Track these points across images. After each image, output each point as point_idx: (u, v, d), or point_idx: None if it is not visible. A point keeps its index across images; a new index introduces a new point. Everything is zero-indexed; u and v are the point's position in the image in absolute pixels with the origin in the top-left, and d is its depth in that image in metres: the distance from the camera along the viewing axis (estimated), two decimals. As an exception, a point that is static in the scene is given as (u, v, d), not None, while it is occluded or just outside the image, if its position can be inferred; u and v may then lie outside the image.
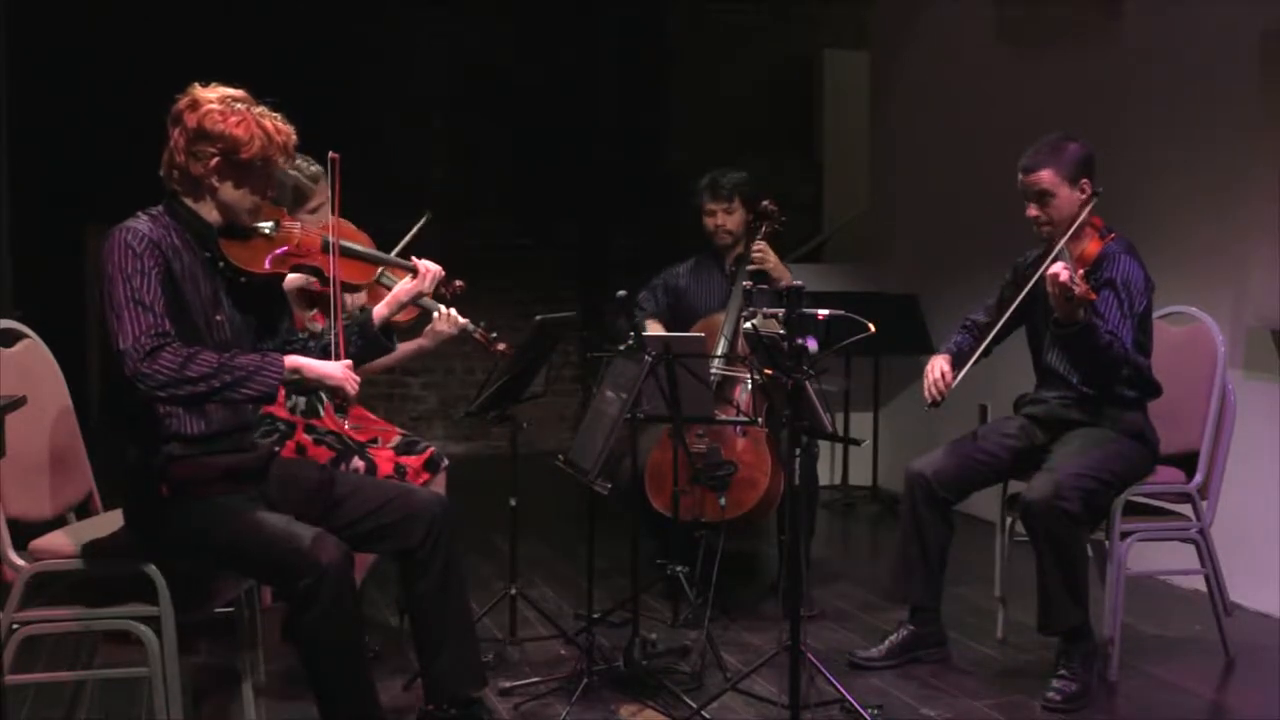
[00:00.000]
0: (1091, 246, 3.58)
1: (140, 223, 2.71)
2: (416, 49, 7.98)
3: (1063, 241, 3.54)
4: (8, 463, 2.66)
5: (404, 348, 3.67)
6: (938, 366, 3.72)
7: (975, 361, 3.71)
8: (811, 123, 8.12)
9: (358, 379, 2.82)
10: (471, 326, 3.66)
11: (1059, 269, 3.32)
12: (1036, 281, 3.54)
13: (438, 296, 3.29)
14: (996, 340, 3.75)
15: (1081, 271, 3.45)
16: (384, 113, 7.88)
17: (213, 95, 2.76)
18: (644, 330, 4.32)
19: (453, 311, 3.61)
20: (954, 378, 3.69)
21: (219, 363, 2.62)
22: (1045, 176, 3.61)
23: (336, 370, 2.78)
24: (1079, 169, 3.61)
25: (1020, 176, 3.66)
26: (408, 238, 3.71)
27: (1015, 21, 5.59)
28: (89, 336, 7.31)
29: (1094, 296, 3.39)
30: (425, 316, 3.60)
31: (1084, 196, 3.61)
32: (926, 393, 3.69)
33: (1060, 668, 3.49)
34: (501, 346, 3.69)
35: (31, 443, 2.91)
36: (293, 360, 2.73)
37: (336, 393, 2.80)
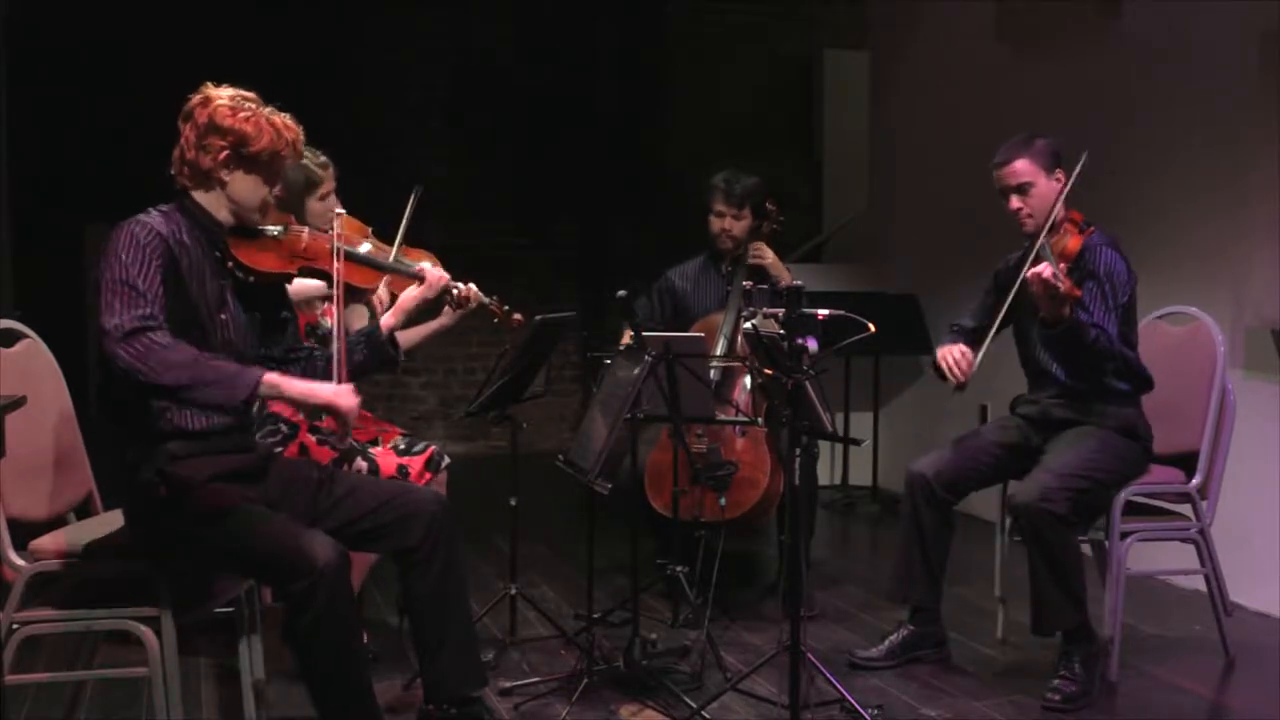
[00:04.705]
0: (1073, 242, 3.58)
1: (151, 217, 2.73)
2: (416, 48, 7.98)
3: (1043, 239, 3.54)
4: (8, 463, 2.66)
5: (426, 328, 3.73)
6: (955, 349, 3.64)
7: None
8: (811, 122, 8.11)
9: (356, 398, 2.76)
10: (488, 299, 3.71)
11: (1042, 268, 3.33)
12: (1021, 284, 3.53)
13: (444, 303, 3.30)
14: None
15: (1064, 267, 3.46)
16: (384, 112, 7.88)
17: (224, 94, 2.81)
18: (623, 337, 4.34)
19: (472, 287, 3.65)
20: (975, 356, 3.63)
21: (194, 358, 2.58)
22: (1021, 166, 3.63)
23: (324, 390, 2.72)
24: (1052, 159, 3.65)
25: (995, 173, 3.68)
26: (405, 222, 3.69)
27: (1015, 21, 5.59)
28: (89, 336, 7.32)
29: (1078, 293, 3.39)
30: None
31: (1060, 186, 3.63)
32: (949, 374, 3.61)
33: (1060, 668, 3.49)
34: (518, 317, 3.73)
35: (31, 443, 2.91)
36: (272, 377, 2.67)
37: (326, 412, 2.74)
